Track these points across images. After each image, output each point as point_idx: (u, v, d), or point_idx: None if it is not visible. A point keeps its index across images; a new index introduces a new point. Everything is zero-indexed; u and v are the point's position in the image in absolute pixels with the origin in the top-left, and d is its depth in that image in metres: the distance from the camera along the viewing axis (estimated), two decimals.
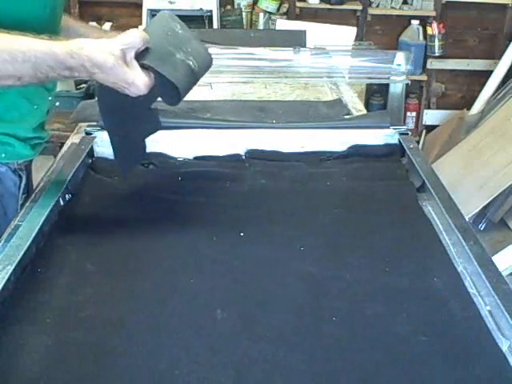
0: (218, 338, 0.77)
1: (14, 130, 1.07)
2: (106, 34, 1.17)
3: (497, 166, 2.87)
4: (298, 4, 3.54)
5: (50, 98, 1.14)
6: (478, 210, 2.85)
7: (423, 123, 3.89)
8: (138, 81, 0.90)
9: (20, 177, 1.11)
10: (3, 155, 1.07)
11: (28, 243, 0.89)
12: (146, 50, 0.93)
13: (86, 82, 2.71)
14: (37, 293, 0.84)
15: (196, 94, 1.70)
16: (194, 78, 0.99)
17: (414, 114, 3.85)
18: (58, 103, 2.35)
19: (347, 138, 1.30)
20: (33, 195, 1.05)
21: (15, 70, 0.86)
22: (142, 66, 0.91)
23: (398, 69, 1.39)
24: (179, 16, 1.01)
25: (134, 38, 0.90)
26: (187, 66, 0.98)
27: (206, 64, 1.03)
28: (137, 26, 3.18)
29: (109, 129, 1.08)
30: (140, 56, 0.92)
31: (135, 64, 0.90)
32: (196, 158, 1.27)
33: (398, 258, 0.95)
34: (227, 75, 1.47)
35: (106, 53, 0.88)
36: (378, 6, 3.61)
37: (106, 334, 0.77)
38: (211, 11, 3.28)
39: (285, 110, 1.58)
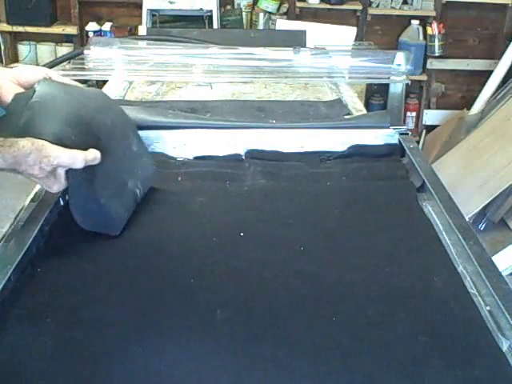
0: (218, 338, 0.77)
1: None
2: None
3: (497, 166, 2.87)
4: (298, 4, 3.54)
5: None
6: (478, 210, 2.85)
7: (423, 123, 3.89)
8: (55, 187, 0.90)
9: None
10: None
11: (28, 243, 0.89)
12: (103, 175, 0.93)
13: (86, 82, 2.71)
14: (37, 293, 0.84)
15: (196, 94, 1.71)
16: (134, 205, 1.02)
17: (413, 114, 3.85)
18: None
19: (347, 138, 1.30)
20: (32, 195, 1.05)
21: None
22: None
23: (398, 69, 1.39)
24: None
25: (76, 159, 0.88)
26: (134, 195, 1.02)
27: (149, 184, 1.07)
28: (137, 26, 3.19)
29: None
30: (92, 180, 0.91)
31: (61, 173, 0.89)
32: (196, 158, 1.27)
33: (398, 258, 0.95)
34: (227, 75, 1.47)
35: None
36: (377, 6, 3.61)
37: (105, 334, 0.77)
38: (211, 11, 3.28)
39: (285, 110, 1.58)
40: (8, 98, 0.93)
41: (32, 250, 0.90)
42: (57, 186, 0.91)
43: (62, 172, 0.90)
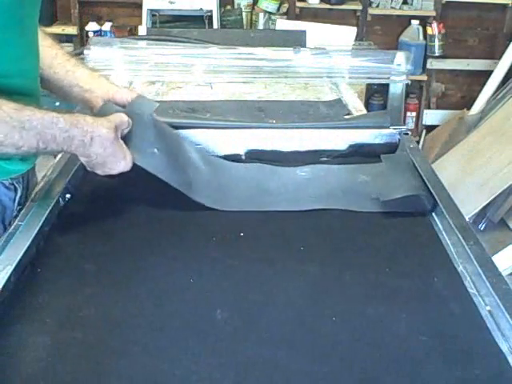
0: (218, 338, 0.77)
1: None
2: (94, 77, 1.17)
3: (497, 165, 2.87)
4: (298, 4, 3.54)
5: None
6: (477, 210, 2.85)
7: (423, 123, 3.89)
8: (128, 157, 0.99)
9: (16, 190, 1.04)
10: None
11: (28, 243, 0.89)
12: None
13: None
14: (37, 293, 0.84)
15: (196, 94, 1.71)
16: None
17: (413, 114, 3.85)
18: (57, 103, 2.35)
19: (347, 138, 1.30)
20: (33, 195, 1.05)
21: (20, 137, 0.87)
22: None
23: (398, 69, 1.38)
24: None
25: (124, 119, 1.00)
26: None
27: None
28: (137, 26, 3.19)
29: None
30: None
31: (122, 142, 0.99)
32: None
33: (398, 258, 0.96)
34: (227, 75, 1.47)
35: (106, 128, 0.95)
36: (378, 6, 3.61)
37: (105, 334, 0.77)
38: (211, 11, 3.28)
39: (285, 110, 1.58)
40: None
41: (32, 249, 0.90)
42: (127, 156, 0.99)
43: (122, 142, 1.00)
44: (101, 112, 1.05)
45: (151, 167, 1.04)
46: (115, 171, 1.00)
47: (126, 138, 1.02)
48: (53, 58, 1.13)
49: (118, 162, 0.98)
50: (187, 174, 1.11)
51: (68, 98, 1.16)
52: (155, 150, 1.07)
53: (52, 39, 1.16)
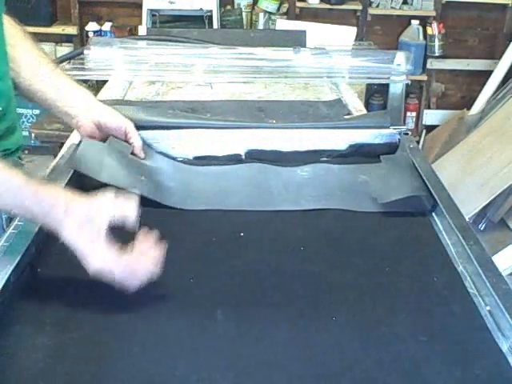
0: (218, 338, 0.77)
1: None
2: (78, 92, 1.14)
3: (497, 166, 2.87)
4: (298, 4, 3.54)
5: None
6: (477, 210, 2.85)
7: (423, 123, 3.89)
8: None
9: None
10: None
11: (28, 243, 0.89)
12: None
13: (86, 82, 2.71)
14: (37, 293, 0.84)
15: (196, 94, 1.70)
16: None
17: (413, 114, 3.85)
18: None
19: (347, 138, 1.30)
20: None
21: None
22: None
23: (398, 69, 1.38)
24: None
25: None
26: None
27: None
28: (137, 26, 3.19)
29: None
30: None
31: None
32: (196, 158, 1.27)
33: (398, 258, 0.96)
34: (227, 75, 1.47)
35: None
36: (378, 6, 3.61)
37: (105, 334, 0.77)
38: (211, 11, 3.28)
39: (285, 110, 1.58)
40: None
41: (32, 250, 0.90)
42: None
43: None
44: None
45: (145, 192, 1.04)
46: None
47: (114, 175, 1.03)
48: (36, 68, 1.11)
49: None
50: (182, 190, 1.12)
51: (52, 110, 1.15)
52: (142, 178, 1.07)
53: (32, 41, 1.14)
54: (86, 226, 0.80)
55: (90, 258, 0.80)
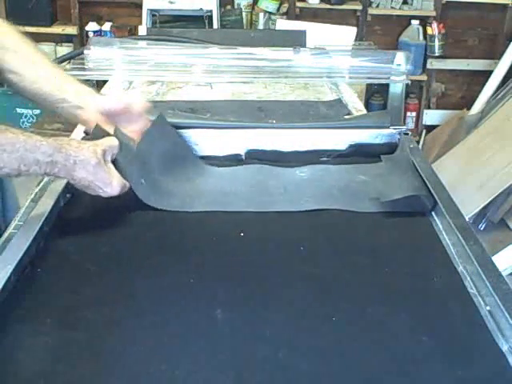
0: (218, 338, 0.77)
1: None
2: (84, 91, 1.13)
3: (497, 165, 2.87)
4: (298, 4, 3.54)
5: None
6: (478, 209, 2.85)
7: (423, 123, 3.89)
8: (115, 181, 0.97)
9: None
10: None
11: (28, 243, 0.89)
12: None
13: (85, 81, 2.71)
14: (37, 293, 0.84)
15: (196, 94, 1.71)
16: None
17: (413, 114, 3.85)
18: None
19: (347, 138, 1.30)
20: (33, 195, 1.05)
21: (1, 160, 0.87)
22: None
23: (398, 69, 1.39)
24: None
25: (114, 143, 1.00)
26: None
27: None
28: (137, 26, 3.20)
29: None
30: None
31: (112, 166, 0.98)
32: None
33: (398, 258, 0.96)
34: (227, 75, 1.47)
35: (90, 152, 0.94)
36: (377, 6, 3.61)
37: (106, 334, 0.77)
38: (211, 11, 3.28)
39: (285, 110, 1.58)
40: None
41: (32, 249, 0.90)
42: (114, 181, 0.97)
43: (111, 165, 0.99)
44: (92, 136, 1.04)
45: (141, 195, 1.04)
46: (103, 195, 0.97)
47: (116, 166, 1.01)
48: (36, 69, 1.10)
49: (104, 187, 0.96)
50: (182, 194, 1.11)
51: (57, 112, 1.13)
52: (142, 181, 1.06)
53: (32, 43, 1.13)
54: (95, 160, 0.94)
55: (110, 185, 0.97)
